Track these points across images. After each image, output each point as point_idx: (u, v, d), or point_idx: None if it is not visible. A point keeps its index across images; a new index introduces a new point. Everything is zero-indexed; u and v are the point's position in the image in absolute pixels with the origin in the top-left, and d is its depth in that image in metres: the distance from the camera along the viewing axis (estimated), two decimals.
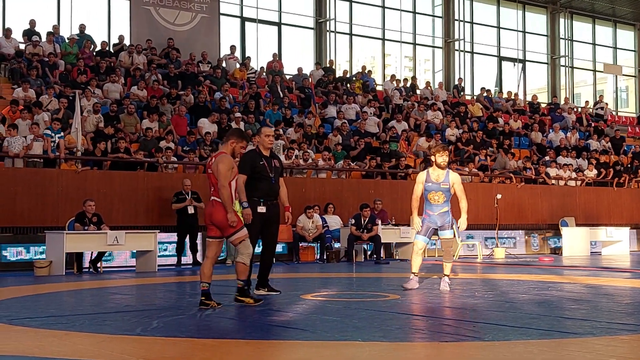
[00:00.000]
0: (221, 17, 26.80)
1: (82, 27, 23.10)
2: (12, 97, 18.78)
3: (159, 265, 15.53)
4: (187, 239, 17.16)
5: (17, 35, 21.90)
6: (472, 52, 33.56)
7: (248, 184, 9.66)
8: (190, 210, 17.01)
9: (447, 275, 10.65)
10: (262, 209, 9.54)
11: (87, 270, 15.38)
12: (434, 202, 10.52)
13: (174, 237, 17.13)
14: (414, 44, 32.35)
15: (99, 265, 15.39)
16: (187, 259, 17.27)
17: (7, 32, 21.36)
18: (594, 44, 37.16)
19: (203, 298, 8.58)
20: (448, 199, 10.54)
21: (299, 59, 28.62)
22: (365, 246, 19.27)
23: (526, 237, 23.06)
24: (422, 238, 10.64)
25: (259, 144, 10.06)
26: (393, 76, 28.56)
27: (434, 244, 19.58)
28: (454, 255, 10.95)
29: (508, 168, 23.88)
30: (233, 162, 8.74)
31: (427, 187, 10.54)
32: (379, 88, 28.57)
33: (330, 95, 25.18)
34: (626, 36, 38.22)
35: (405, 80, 28.94)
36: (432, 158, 10.72)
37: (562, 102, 32.61)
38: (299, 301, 9.11)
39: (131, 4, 24.75)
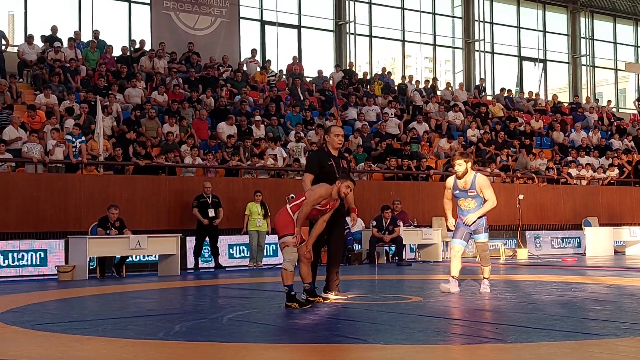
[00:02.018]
0: (241, 20, 26.86)
1: (96, 33, 23.17)
2: (32, 103, 18.86)
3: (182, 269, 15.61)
4: (208, 244, 17.29)
5: (39, 42, 22.00)
6: (492, 53, 33.46)
7: (315, 183, 9.42)
8: (211, 213, 17.07)
9: (487, 278, 10.54)
10: None
11: (110, 274, 15.43)
12: (465, 209, 10.26)
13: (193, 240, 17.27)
14: (434, 45, 32.29)
15: (121, 269, 15.48)
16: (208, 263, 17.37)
17: (30, 39, 21.48)
18: (615, 42, 36.97)
19: (307, 296, 9.11)
20: (480, 204, 10.21)
21: (319, 61, 28.63)
22: (387, 248, 19.23)
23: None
24: (458, 241, 10.38)
25: (328, 144, 9.86)
26: (411, 77, 28.54)
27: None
28: (490, 258, 10.72)
29: (530, 168, 23.78)
30: (326, 195, 8.88)
31: (456, 195, 10.30)
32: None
33: (350, 97, 25.18)
34: None
35: (427, 81, 28.91)
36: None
37: (584, 101, 32.44)
38: (320, 304, 9.09)
39: (152, 9, 24.87)
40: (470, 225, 10.25)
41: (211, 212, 17.07)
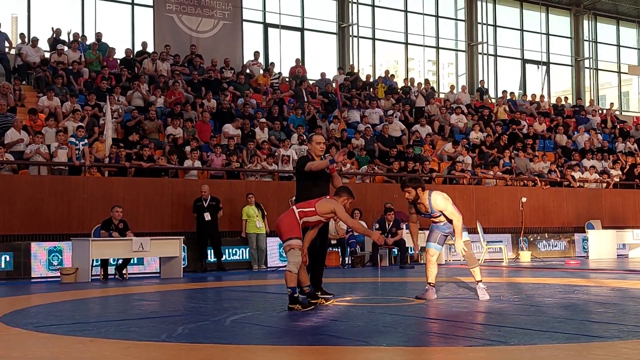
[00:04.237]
0: (244, 23, 26.86)
1: (99, 36, 23.19)
2: (36, 106, 18.87)
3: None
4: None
5: (43, 44, 22.01)
6: (495, 55, 33.45)
7: (303, 187, 9.77)
8: (207, 217, 17.12)
9: (480, 281, 9.98)
10: None
11: (112, 276, 15.44)
12: (438, 222, 10.05)
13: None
14: (437, 47, 32.29)
15: (124, 271, 15.50)
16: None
17: (34, 42, 21.49)
18: (618, 45, 36.95)
19: (309, 299, 9.15)
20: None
21: (322, 64, 28.64)
22: (390, 250, 19.19)
23: None
24: (433, 245, 10.10)
25: (311, 151, 10.14)
26: (412, 79, 28.53)
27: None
28: (478, 259, 10.24)
29: (530, 170, 23.76)
30: (335, 211, 8.98)
31: (423, 216, 10.09)
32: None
33: (353, 100, 25.16)
34: None
35: (427, 84, 28.88)
36: None
37: (587, 104, 32.41)
38: (323, 306, 9.09)
39: (154, 11, 24.87)
40: (447, 231, 10.01)
41: (207, 216, 17.12)
